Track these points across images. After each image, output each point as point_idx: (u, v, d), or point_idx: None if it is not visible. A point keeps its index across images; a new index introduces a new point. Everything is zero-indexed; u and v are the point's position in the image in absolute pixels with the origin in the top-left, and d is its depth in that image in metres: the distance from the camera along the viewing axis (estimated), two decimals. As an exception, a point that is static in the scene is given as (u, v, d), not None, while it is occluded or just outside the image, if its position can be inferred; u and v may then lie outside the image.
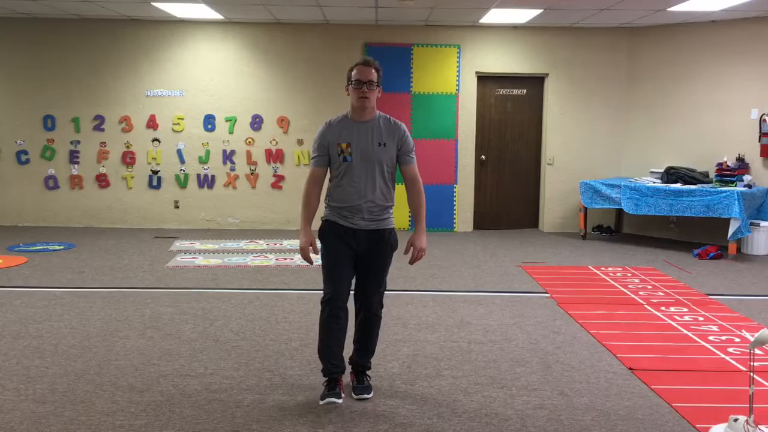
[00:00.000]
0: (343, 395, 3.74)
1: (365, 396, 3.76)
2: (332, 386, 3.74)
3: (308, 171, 3.77)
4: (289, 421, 3.48)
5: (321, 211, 3.81)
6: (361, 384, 3.81)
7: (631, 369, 4.25)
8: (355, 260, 3.73)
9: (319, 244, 3.76)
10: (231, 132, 9.49)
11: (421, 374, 4.15)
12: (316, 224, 3.81)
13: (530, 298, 6.04)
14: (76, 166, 9.48)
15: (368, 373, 3.89)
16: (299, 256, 7.55)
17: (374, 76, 3.64)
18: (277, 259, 7.49)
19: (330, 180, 3.78)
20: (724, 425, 3.33)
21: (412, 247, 3.73)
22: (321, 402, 3.70)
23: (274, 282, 6.51)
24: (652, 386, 3.97)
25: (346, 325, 3.78)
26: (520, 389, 3.93)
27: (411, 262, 3.78)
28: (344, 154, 3.65)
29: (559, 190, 9.67)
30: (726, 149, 8.45)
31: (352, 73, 3.66)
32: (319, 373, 3.92)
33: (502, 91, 9.71)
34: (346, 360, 3.88)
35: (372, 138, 3.65)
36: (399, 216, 9.55)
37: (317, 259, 3.77)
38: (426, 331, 5.01)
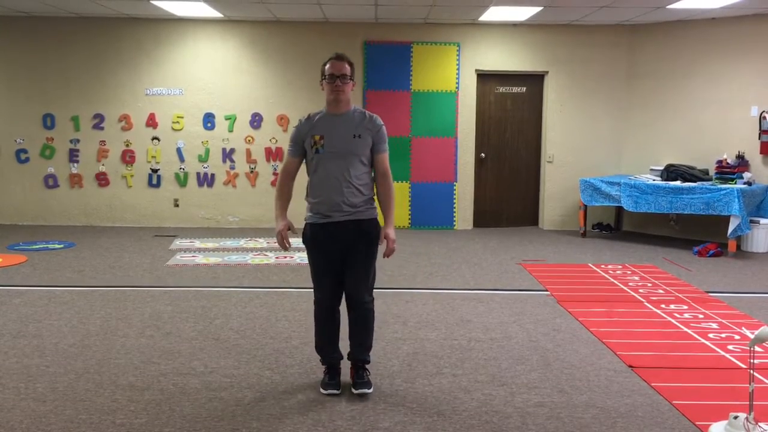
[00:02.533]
0: (341, 386, 3.83)
1: (365, 391, 3.75)
2: (332, 375, 3.84)
3: (282, 163, 3.84)
4: (289, 419, 3.48)
5: (303, 210, 3.86)
6: (361, 379, 3.80)
7: (631, 366, 4.26)
8: (340, 255, 3.73)
9: (299, 235, 3.81)
10: (230, 130, 9.48)
11: (422, 372, 4.15)
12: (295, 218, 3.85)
13: (530, 295, 6.04)
14: (75, 164, 9.48)
15: (368, 368, 3.88)
16: (299, 254, 7.58)
17: (347, 69, 3.70)
18: (276, 258, 7.49)
19: (308, 175, 3.82)
20: (724, 422, 3.33)
21: (386, 240, 3.69)
22: (322, 391, 3.78)
23: (273, 280, 6.51)
24: (652, 383, 3.97)
25: (340, 319, 3.89)
26: (520, 387, 3.93)
27: (385, 255, 3.74)
28: (317, 146, 3.68)
29: (558, 188, 9.67)
30: (726, 146, 8.45)
31: (326, 68, 3.72)
32: (319, 371, 3.95)
33: (501, 89, 9.71)
34: (345, 355, 3.93)
35: (347, 130, 3.68)
36: (398, 214, 9.56)
37: (295, 243, 3.85)
38: (426, 329, 5.01)
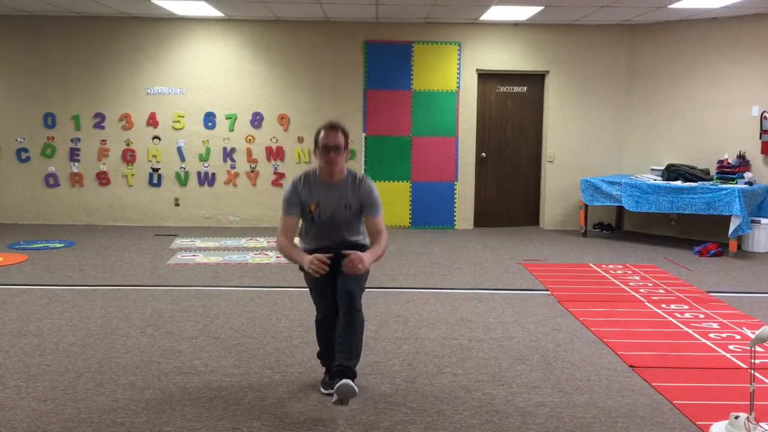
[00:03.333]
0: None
1: (348, 383, 3.37)
2: (333, 375, 3.72)
3: (280, 222, 3.77)
4: (290, 419, 3.48)
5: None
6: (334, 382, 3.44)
7: (631, 366, 4.26)
8: (334, 271, 3.65)
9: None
10: (231, 130, 9.48)
11: (422, 372, 4.15)
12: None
13: (531, 295, 6.04)
14: (76, 163, 9.48)
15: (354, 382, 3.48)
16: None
17: (341, 140, 3.68)
18: (277, 257, 7.48)
19: (301, 225, 3.86)
20: (724, 422, 3.33)
21: (355, 256, 3.52)
22: (323, 391, 3.77)
23: (274, 279, 6.51)
24: (653, 383, 3.97)
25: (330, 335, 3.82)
26: (520, 387, 3.93)
27: (346, 264, 3.54)
28: (312, 214, 3.73)
29: (559, 188, 9.67)
30: (727, 146, 8.44)
31: (320, 137, 3.69)
32: (320, 371, 3.95)
33: (502, 89, 9.70)
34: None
35: (339, 200, 3.72)
36: (398, 214, 9.57)
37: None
38: (427, 328, 5.01)
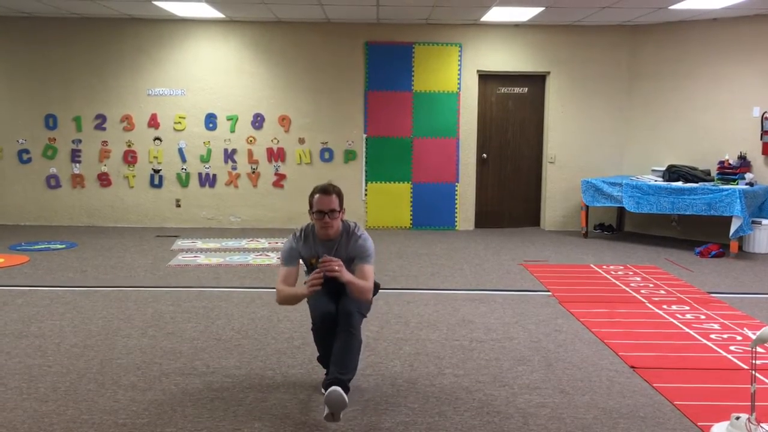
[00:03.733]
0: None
1: (337, 390, 3.33)
2: (325, 386, 3.75)
3: (279, 273, 3.80)
4: (291, 419, 3.48)
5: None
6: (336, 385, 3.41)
7: (632, 367, 4.26)
8: (328, 283, 3.66)
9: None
10: (232, 131, 9.49)
11: (423, 373, 4.15)
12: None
13: (532, 296, 6.04)
14: (77, 165, 9.49)
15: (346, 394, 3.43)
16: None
17: (335, 203, 3.70)
18: (278, 258, 7.48)
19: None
20: (725, 423, 3.33)
21: (331, 260, 3.58)
22: (324, 392, 3.72)
23: (275, 280, 6.49)
24: (654, 384, 3.97)
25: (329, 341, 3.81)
26: (521, 387, 3.93)
27: (320, 264, 3.60)
28: (313, 266, 3.76)
29: (560, 189, 9.67)
30: (728, 147, 8.44)
31: (314, 201, 3.71)
32: (321, 372, 3.95)
33: (503, 90, 9.71)
34: None
35: (335, 254, 3.72)
36: (399, 215, 9.57)
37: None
38: (428, 329, 5.01)
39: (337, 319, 3.71)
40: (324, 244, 3.78)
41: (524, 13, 8.43)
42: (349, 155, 9.51)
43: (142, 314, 5.31)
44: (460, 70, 9.46)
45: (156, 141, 9.48)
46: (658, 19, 8.72)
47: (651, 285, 6.45)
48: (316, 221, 3.73)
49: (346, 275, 3.62)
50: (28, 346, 4.55)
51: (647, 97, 9.32)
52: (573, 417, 3.55)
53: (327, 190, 3.71)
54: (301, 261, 3.86)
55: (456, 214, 9.66)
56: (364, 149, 9.50)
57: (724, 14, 8.27)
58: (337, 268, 3.56)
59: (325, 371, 3.90)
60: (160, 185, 9.55)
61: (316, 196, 3.71)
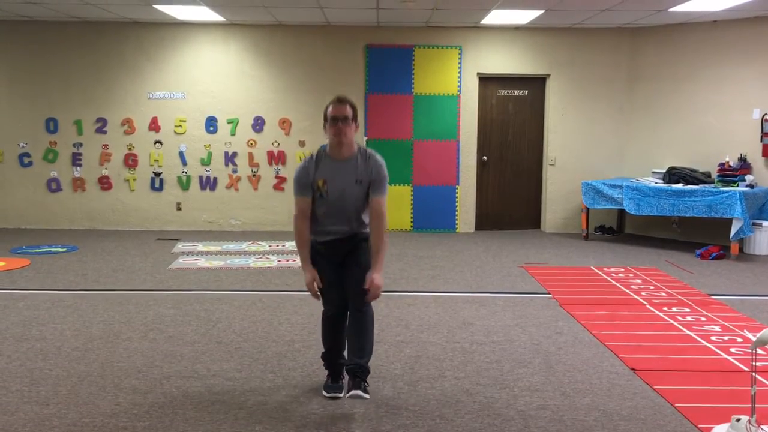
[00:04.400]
0: (344, 389, 3.78)
1: (359, 393, 3.52)
2: (335, 378, 3.84)
3: (295, 205, 3.76)
4: (292, 422, 3.48)
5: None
6: (357, 387, 3.56)
7: (633, 369, 4.26)
8: (342, 263, 3.74)
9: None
10: (233, 134, 9.50)
11: (424, 375, 4.15)
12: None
13: (532, 298, 6.04)
14: (78, 168, 9.50)
15: (367, 380, 3.64)
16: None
17: (349, 112, 3.68)
18: (279, 261, 7.49)
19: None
20: (726, 425, 3.33)
21: (371, 285, 3.59)
22: (325, 394, 3.78)
23: (276, 283, 6.52)
24: (655, 386, 3.97)
25: (344, 329, 3.85)
26: (522, 390, 3.93)
27: (368, 300, 3.64)
28: (320, 191, 3.69)
29: (560, 191, 9.67)
30: (728, 149, 8.45)
31: (328, 111, 3.70)
32: (322, 375, 3.96)
33: (503, 92, 9.71)
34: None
35: (349, 176, 3.68)
36: (400, 217, 9.57)
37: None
38: (428, 332, 5.01)
39: (345, 324, 3.79)
40: (338, 165, 3.68)
41: (524, 16, 8.44)
42: (350, 158, 9.50)
43: (142, 317, 5.31)
44: (460, 72, 9.46)
45: (157, 144, 9.49)
46: (658, 21, 8.73)
47: (651, 287, 6.45)
48: (329, 130, 3.67)
49: (381, 276, 3.62)
50: (29, 349, 4.55)
51: (647, 99, 9.32)
52: (574, 419, 3.55)
53: (341, 99, 3.71)
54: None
55: (456, 217, 9.66)
56: (364, 152, 9.48)
57: (723, 16, 8.28)
58: (379, 292, 3.62)
59: (327, 373, 3.90)
60: (160, 188, 9.56)
61: (331, 105, 3.71)
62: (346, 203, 3.68)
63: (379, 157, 3.74)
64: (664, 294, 6.18)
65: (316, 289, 3.73)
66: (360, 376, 3.58)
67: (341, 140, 3.65)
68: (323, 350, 3.91)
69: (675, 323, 5.27)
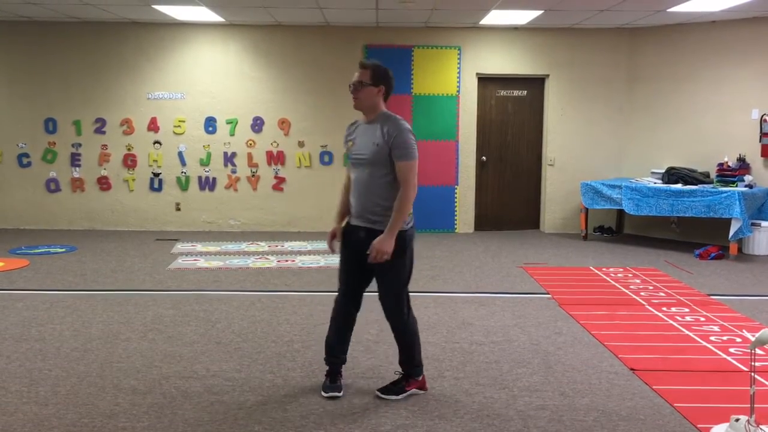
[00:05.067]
0: (343, 389, 3.83)
1: (381, 395, 3.80)
2: (333, 378, 3.86)
3: None
4: (291, 422, 3.48)
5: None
6: (390, 385, 3.84)
7: (632, 369, 4.26)
8: (356, 259, 3.74)
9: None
10: (232, 134, 9.50)
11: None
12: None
13: (531, 299, 6.04)
14: (77, 168, 9.49)
15: (405, 382, 3.85)
16: (300, 258, 7.60)
17: (363, 76, 3.72)
18: (278, 261, 7.49)
19: None
20: (725, 425, 3.34)
21: (372, 248, 3.58)
22: (323, 394, 3.80)
23: (275, 284, 6.52)
24: (654, 386, 3.97)
25: (351, 322, 3.89)
26: (521, 390, 3.93)
27: (369, 261, 3.62)
28: (348, 151, 3.84)
29: (560, 191, 9.68)
30: (727, 149, 8.45)
31: None
32: (321, 374, 3.96)
33: (502, 92, 9.72)
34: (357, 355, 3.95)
35: (369, 138, 3.70)
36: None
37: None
38: (427, 332, 5.01)
39: (353, 318, 3.88)
40: (365, 127, 3.76)
41: (523, 16, 8.45)
42: (349, 158, 9.51)
43: (142, 318, 5.31)
44: (459, 73, 9.47)
45: (156, 144, 9.49)
46: (657, 21, 8.73)
47: (651, 287, 6.45)
48: None
49: (391, 242, 3.58)
50: (28, 349, 4.55)
51: (646, 99, 9.33)
52: (573, 419, 3.55)
53: (363, 63, 3.78)
54: None
55: (455, 217, 9.67)
56: (363, 152, 9.49)
57: (722, 17, 8.29)
58: (384, 256, 3.57)
59: (325, 371, 3.90)
60: (159, 189, 9.56)
61: None
62: (364, 166, 3.69)
63: (400, 122, 3.69)
64: (663, 294, 6.19)
65: (330, 243, 3.91)
66: (403, 377, 3.84)
67: (354, 104, 3.79)
68: (326, 339, 3.93)
69: (674, 323, 5.27)
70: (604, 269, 7.25)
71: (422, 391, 3.87)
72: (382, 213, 3.66)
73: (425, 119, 9.48)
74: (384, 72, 3.75)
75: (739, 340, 4.86)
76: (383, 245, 3.56)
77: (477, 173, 9.72)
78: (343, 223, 3.86)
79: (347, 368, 3.99)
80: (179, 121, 9.45)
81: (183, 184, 9.55)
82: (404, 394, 3.81)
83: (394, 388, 3.83)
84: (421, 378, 3.87)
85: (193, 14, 8.52)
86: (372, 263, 3.61)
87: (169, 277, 6.76)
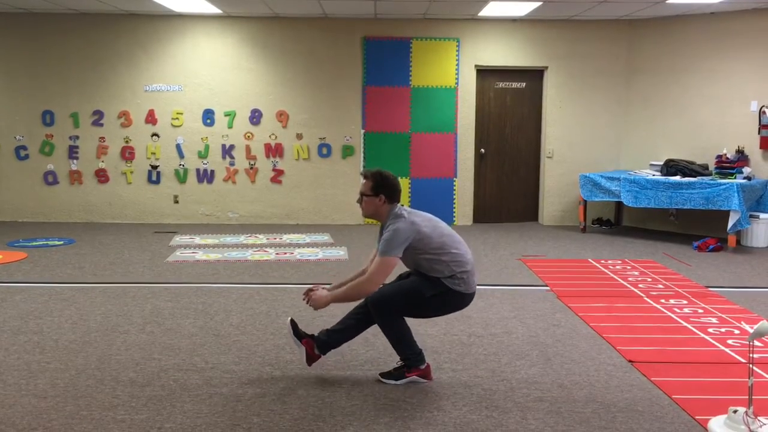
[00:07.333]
0: (302, 348, 3.93)
1: (381, 380, 3.92)
2: (296, 332, 3.97)
3: None
4: (290, 414, 3.49)
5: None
6: (390, 371, 3.96)
7: (630, 361, 4.26)
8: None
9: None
10: (230, 126, 9.48)
11: (422, 367, 4.15)
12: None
13: (530, 291, 6.05)
14: (75, 161, 9.48)
15: (399, 366, 3.96)
16: (299, 251, 7.59)
17: (365, 187, 3.92)
18: (277, 254, 7.49)
19: None
20: (723, 417, 3.34)
21: (311, 291, 3.90)
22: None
23: (273, 276, 6.51)
24: (652, 378, 3.98)
25: (359, 322, 4.01)
26: (520, 382, 3.94)
27: (303, 297, 3.94)
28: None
29: (558, 184, 9.67)
30: (725, 141, 8.45)
31: None
32: (319, 368, 3.97)
33: (501, 85, 9.70)
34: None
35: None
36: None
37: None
38: (426, 324, 5.00)
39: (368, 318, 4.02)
40: (381, 228, 3.99)
41: (522, 8, 8.42)
42: (347, 151, 9.51)
43: (140, 310, 5.31)
44: (457, 65, 9.45)
45: (153, 137, 9.47)
46: (656, 13, 8.71)
47: (649, 279, 6.46)
48: None
49: (324, 301, 3.83)
50: (26, 342, 4.55)
51: (645, 91, 9.31)
52: (571, 411, 3.56)
53: (364, 174, 3.99)
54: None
55: (454, 209, 9.66)
56: (362, 145, 9.49)
57: (721, 8, 8.27)
58: (313, 304, 3.86)
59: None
60: (157, 181, 9.54)
61: None
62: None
63: (398, 221, 3.86)
64: (661, 286, 6.19)
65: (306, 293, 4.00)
66: (398, 369, 3.94)
67: (362, 213, 4.01)
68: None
69: (672, 315, 5.28)
70: (602, 261, 7.25)
71: (425, 380, 3.89)
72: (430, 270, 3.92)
73: (423, 111, 9.46)
74: (382, 181, 3.90)
75: (737, 331, 4.87)
76: (318, 298, 3.84)
77: (476, 166, 9.71)
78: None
79: (345, 360, 4.00)
80: (177, 113, 9.43)
81: (181, 177, 9.54)
82: (404, 380, 3.86)
83: (394, 374, 3.90)
84: (424, 366, 3.91)
85: (191, 6, 8.49)
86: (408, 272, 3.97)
87: (168, 269, 6.76)
